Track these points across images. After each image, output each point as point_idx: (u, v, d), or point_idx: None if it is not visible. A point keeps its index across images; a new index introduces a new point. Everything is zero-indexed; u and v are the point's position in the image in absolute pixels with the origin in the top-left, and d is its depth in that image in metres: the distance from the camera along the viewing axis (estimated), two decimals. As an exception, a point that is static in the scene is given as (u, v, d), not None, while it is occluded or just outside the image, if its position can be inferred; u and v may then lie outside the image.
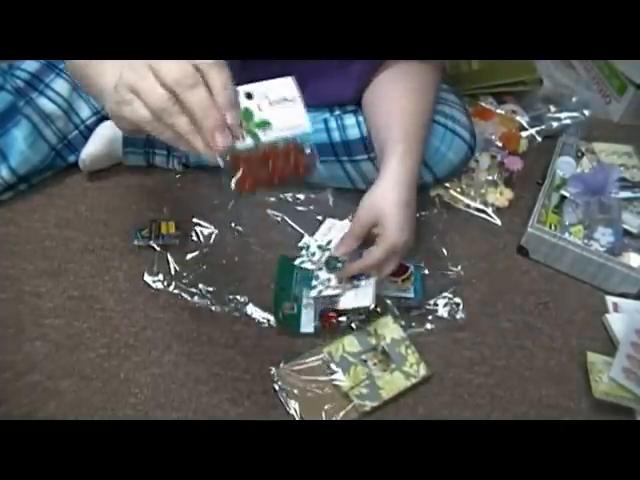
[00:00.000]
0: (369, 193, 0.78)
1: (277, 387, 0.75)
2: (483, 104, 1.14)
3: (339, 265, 0.79)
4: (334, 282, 0.80)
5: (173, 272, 0.85)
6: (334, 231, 0.86)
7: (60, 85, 0.91)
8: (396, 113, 0.82)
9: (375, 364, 0.78)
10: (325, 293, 0.79)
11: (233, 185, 0.56)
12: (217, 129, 0.51)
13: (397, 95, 0.85)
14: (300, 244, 0.87)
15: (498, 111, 1.13)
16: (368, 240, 0.78)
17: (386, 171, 0.78)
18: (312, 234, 0.88)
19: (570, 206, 0.97)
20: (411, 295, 0.85)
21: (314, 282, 0.81)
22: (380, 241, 0.75)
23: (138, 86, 0.51)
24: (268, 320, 0.82)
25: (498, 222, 1.00)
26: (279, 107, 0.56)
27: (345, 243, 0.79)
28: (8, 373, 0.75)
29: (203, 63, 0.51)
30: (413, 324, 0.84)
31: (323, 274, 0.81)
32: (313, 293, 0.80)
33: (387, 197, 0.76)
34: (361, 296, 0.78)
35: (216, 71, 0.51)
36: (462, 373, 0.81)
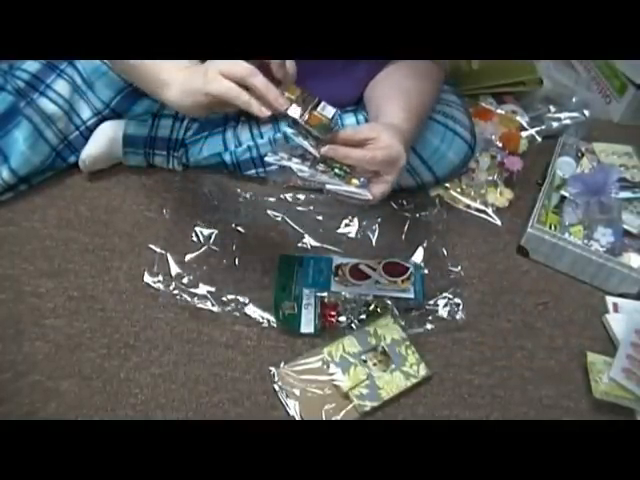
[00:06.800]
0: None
1: (277, 387, 0.75)
2: (483, 104, 1.14)
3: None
4: (321, 167, 0.70)
5: (173, 272, 0.85)
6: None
7: (61, 86, 0.91)
8: (400, 91, 0.83)
9: (375, 364, 0.78)
10: (319, 178, 0.69)
11: None
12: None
13: (400, 79, 0.85)
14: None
15: (498, 111, 1.13)
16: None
17: (387, 119, 0.77)
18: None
19: (570, 206, 0.97)
20: (411, 295, 0.85)
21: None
22: (377, 144, 0.69)
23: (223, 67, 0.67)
24: (268, 320, 0.82)
25: (498, 222, 1.00)
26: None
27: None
28: (8, 373, 0.75)
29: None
30: (413, 324, 0.83)
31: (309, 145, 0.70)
32: (304, 170, 0.69)
33: (390, 127, 0.73)
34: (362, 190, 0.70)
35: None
36: (462, 373, 0.81)
